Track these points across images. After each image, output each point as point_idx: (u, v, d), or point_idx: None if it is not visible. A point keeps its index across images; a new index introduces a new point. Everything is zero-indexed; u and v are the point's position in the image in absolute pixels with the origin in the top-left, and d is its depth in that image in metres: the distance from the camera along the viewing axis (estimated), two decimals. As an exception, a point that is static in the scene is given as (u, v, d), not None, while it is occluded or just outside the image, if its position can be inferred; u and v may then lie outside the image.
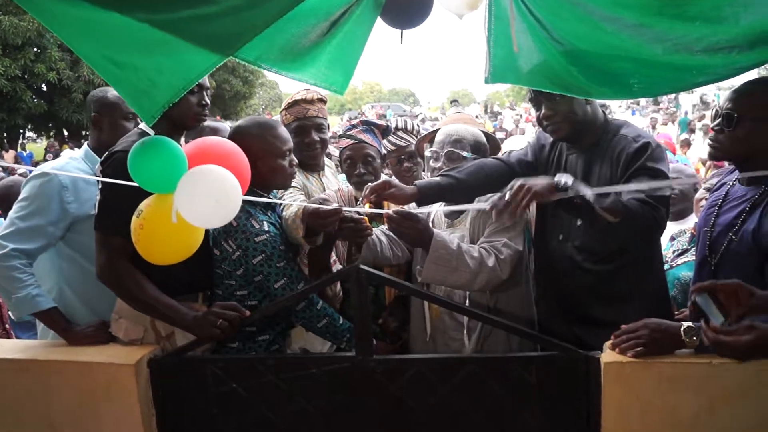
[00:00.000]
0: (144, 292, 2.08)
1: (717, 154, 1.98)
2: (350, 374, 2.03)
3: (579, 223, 2.29)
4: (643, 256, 2.29)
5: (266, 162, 2.23)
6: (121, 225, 1.98)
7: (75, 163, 2.48)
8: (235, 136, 2.28)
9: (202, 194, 1.87)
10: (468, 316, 2.37)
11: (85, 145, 2.62)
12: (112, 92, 2.54)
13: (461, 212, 2.52)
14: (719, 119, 1.91)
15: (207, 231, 2.25)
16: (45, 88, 19.62)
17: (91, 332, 2.25)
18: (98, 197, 2.10)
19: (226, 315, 2.06)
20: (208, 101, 2.22)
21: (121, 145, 2.12)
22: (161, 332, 2.20)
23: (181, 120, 2.14)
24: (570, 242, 2.33)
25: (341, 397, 2.05)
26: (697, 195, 3.10)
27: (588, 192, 1.95)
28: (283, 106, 2.85)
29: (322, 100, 2.78)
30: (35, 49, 18.29)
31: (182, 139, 2.30)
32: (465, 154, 2.52)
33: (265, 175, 2.24)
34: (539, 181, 2.00)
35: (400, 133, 3.05)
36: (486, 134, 2.76)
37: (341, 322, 2.31)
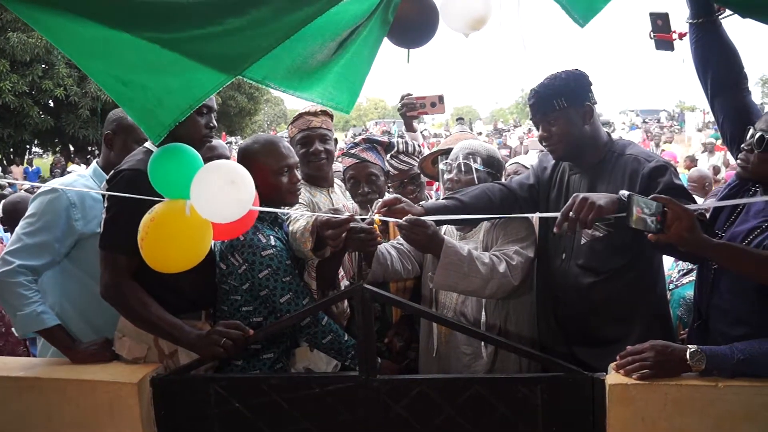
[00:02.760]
0: (148, 310, 2.07)
1: (745, 174, 1.96)
2: (354, 394, 2.02)
3: (583, 241, 2.29)
4: (645, 275, 2.29)
5: (264, 179, 2.22)
6: (126, 244, 1.98)
7: (83, 181, 2.47)
8: (240, 156, 2.32)
9: (218, 176, 1.86)
10: (473, 337, 2.36)
11: (94, 163, 2.61)
12: None
13: (473, 225, 2.55)
14: (751, 139, 1.91)
15: (212, 249, 2.26)
16: (52, 104, 19.76)
17: (95, 350, 2.24)
18: (104, 216, 2.10)
19: (230, 334, 2.05)
20: (215, 124, 2.24)
21: (126, 163, 2.13)
22: (164, 351, 2.20)
23: (188, 140, 2.12)
24: (574, 261, 2.33)
25: (345, 417, 2.03)
26: None
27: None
28: (290, 122, 2.87)
29: (326, 113, 2.77)
30: (43, 66, 18.46)
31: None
32: (477, 166, 2.55)
33: (264, 192, 2.22)
34: (601, 195, 1.98)
35: (402, 156, 3.06)
36: None
37: (346, 338, 2.31)
